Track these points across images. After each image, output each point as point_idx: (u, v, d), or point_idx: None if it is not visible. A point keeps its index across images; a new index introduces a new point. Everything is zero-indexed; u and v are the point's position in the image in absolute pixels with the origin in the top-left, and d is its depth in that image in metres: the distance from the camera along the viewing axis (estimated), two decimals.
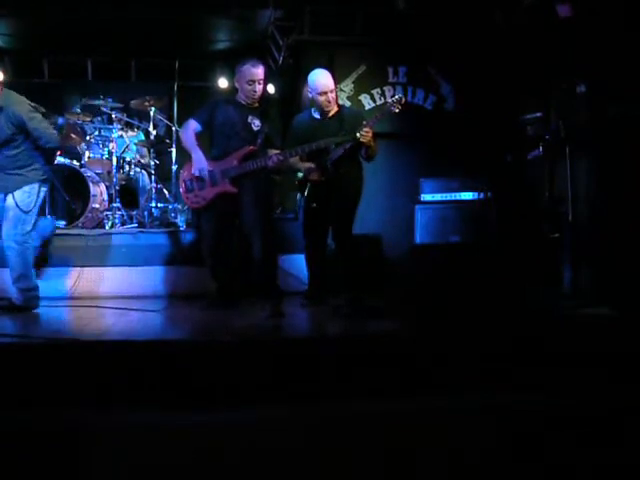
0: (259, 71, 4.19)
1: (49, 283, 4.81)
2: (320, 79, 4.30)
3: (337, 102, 4.45)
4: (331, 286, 4.51)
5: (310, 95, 4.36)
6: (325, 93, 4.25)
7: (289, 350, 2.97)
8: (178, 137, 6.40)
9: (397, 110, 4.18)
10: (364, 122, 4.15)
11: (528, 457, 2.30)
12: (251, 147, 4.15)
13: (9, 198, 4.04)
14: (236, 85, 4.29)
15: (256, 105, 4.29)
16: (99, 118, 6.57)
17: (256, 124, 4.21)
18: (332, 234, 4.45)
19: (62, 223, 5.51)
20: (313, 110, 4.43)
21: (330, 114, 4.34)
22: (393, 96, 5.99)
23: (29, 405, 2.66)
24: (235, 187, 4.13)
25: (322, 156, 4.25)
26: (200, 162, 4.16)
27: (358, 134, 4.07)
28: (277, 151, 4.23)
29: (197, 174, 4.16)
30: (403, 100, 4.22)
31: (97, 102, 6.22)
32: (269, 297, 4.11)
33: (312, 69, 4.33)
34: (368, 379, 2.82)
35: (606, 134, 4.31)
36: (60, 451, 2.34)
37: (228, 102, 4.35)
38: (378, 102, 6.07)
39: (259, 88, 4.22)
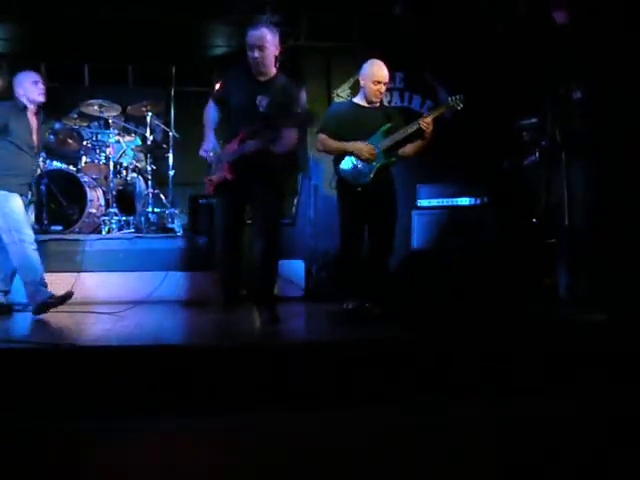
0: (255, 33, 3.82)
1: None
2: (379, 68, 4.33)
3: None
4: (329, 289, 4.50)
5: (362, 82, 4.37)
6: (380, 83, 4.30)
7: (289, 355, 2.97)
8: (175, 142, 6.43)
9: (459, 108, 4.28)
10: (425, 113, 4.26)
11: (528, 458, 2.31)
12: (246, 131, 3.85)
13: None
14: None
15: (267, 78, 3.95)
16: (96, 123, 6.56)
17: (263, 105, 3.87)
18: (374, 233, 4.31)
19: (59, 228, 5.50)
20: (354, 99, 4.48)
21: (376, 105, 4.39)
22: (390, 102, 6.06)
23: (25, 410, 2.65)
24: (233, 174, 3.86)
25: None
26: (206, 144, 3.96)
27: (421, 122, 4.14)
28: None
29: (200, 154, 3.97)
30: (463, 99, 4.29)
31: (94, 107, 6.21)
32: (263, 302, 4.07)
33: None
34: (368, 383, 2.82)
35: (605, 135, 4.31)
36: (56, 455, 2.34)
37: (241, 76, 4.01)
38: None
39: (259, 54, 3.83)
